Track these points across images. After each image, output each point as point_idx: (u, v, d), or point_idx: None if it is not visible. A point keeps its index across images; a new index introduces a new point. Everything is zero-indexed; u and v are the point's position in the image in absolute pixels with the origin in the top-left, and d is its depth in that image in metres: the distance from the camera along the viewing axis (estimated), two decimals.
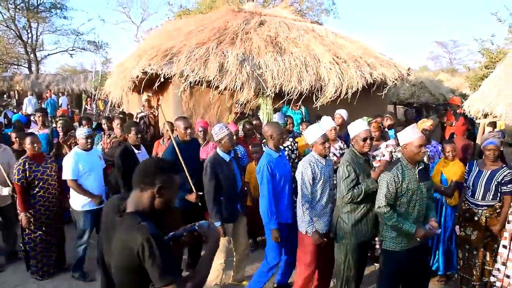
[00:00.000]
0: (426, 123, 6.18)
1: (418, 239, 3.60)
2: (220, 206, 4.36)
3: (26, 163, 4.84)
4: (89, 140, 5.01)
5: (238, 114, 7.25)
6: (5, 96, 24.39)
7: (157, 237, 1.93)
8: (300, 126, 7.17)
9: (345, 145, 6.00)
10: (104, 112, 16.38)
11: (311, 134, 4.16)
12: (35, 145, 4.92)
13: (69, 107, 19.34)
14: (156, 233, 1.95)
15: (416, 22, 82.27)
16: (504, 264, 4.24)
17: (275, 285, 4.64)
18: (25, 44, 28.64)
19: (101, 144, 6.77)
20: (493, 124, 7.16)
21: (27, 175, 4.81)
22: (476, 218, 4.52)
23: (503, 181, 4.41)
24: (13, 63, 29.73)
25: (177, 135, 4.95)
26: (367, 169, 4.01)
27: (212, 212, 4.34)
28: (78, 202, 4.95)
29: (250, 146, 5.82)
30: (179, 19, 13.87)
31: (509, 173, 4.44)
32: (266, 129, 4.41)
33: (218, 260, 4.45)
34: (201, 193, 4.56)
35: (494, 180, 4.43)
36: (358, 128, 3.99)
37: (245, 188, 5.57)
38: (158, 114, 8.32)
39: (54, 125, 8.24)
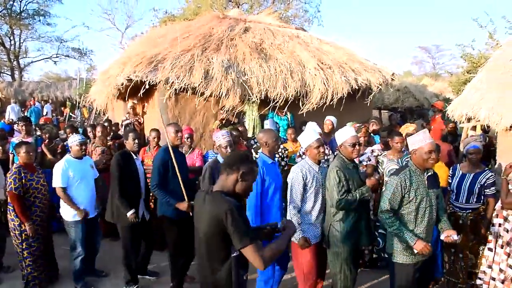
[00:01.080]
0: (410, 127, 6.25)
1: (416, 251, 3.44)
2: None
3: (21, 172, 4.68)
4: (83, 147, 4.91)
5: (224, 121, 7.22)
6: None
7: (239, 208, 2.41)
8: (286, 132, 7.18)
9: (330, 151, 6.03)
10: (89, 119, 16.21)
11: (306, 138, 4.12)
12: (31, 154, 4.80)
13: (53, 114, 19.09)
14: (238, 205, 2.44)
15: (399, 27, 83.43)
16: (490, 266, 4.28)
17: None
18: (8, 51, 28.30)
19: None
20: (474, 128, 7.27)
21: (23, 183, 4.66)
22: (461, 222, 4.57)
23: (486, 184, 4.47)
24: None
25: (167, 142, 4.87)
26: (356, 175, 3.96)
27: None
28: (69, 212, 4.83)
29: None
30: (164, 25, 13.82)
31: (491, 176, 4.51)
32: (260, 136, 4.36)
33: None
34: (193, 202, 4.49)
35: (477, 183, 4.50)
36: (346, 134, 3.94)
37: None
38: (144, 122, 8.26)
39: (38, 133, 8.11)
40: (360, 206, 3.86)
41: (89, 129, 7.56)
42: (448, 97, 14.54)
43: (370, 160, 5.54)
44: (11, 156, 6.76)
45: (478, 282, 4.38)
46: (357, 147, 3.90)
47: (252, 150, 6.07)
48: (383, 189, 3.94)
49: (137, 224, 4.78)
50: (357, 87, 8.15)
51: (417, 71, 42.99)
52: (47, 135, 7.03)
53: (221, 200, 2.42)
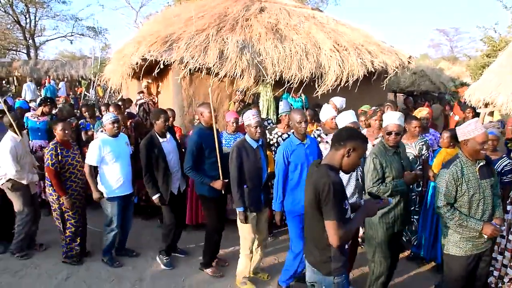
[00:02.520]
0: (423, 111, 6.16)
1: (486, 237, 3.35)
2: (243, 192, 4.32)
3: (58, 148, 4.83)
4: (115, 125, 4.93)
5: (239, 102, 7.21)
6: (3, 82, 24.27)
7: (337, 184, 2.52)
8: None
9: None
10: (104, 98, 16.32)
11: (341, 120, 4.18)
12: (66, 131, 4.90)
13: (70, 93, 19.28)
14: (337, 181, 2.54)
15: (416, 8, 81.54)
16: (501, 253, 4.26)
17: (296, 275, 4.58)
18: (24, 29, 28.42)
19: (102, 131, 6.75)
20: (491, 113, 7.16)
21: (60, 159, 4.81)
22: None
23: (503, 171, 4.42)
24: (11, 49, 29.57)
25: (200, 122, 4.87)
26: (396, 162, 3.82)
27: (236, 198, 4.30)
28: (105, 188, 4.94)
29: None
30: (178, 4, 13.72)
31: (509, 163, 4.45)
32: (289, 117, 4.39)
33: (245, 251, 4.47)
34: (227, 181, 4.54)
35: None
36: (387, 120, 3.84)
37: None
38: (158, 101, 8.29)
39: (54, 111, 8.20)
40: (396, 193, 3.77)
41: (103, 108, 7.60)
42: (465, 81, 14.28)
43: None
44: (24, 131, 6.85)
45: (490, 268, 4.37)
46: (393, 135, 3.78)
47: (266, 131, 6.06)
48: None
49: (174, 199, 4.94)
50: (373, 70, 8.04)
51: (434, 54, 42.22)
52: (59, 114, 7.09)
53: (324, 173, 2.57)
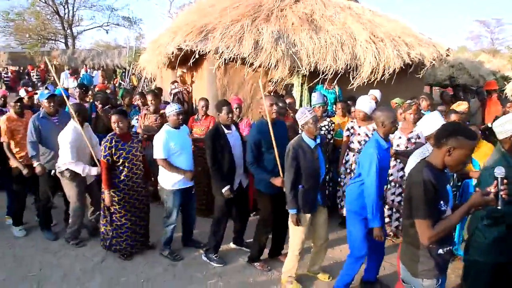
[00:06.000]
0: (462, 106, 5.99)
1: None
2: (297, 193, 4.15)
3: (113, 141, 4.76)
4: (180, 117, 4.87)
5: (273, 93, 7.21)
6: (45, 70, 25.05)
7: (428, 182, 2.47)
8: (334, 106, 7.09)
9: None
10: (138, 87, 16.61)
11: (430, 125, 3.91)
12: (120, 124, 4.77)
13: (105, 81, 19.73)
14: (430, 180, 2.47)
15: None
16: None
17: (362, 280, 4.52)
18: (62, 19, 29.27)
19: (137, 119, 6.90)
20: None
21: (113, 152, 4.74)
22: None
23: None
24: (51, 38, 30.51)
25: (262, 115, 4.74)
26: None
27: (289, 199, 4.14)
28: (168, 181, 4.91)
29: None
30: None
31: None
32: (378, 115, 3.99)
33: (294, 252, 4.35)
34: None
35: None
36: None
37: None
38: (192, 91, 8.39)
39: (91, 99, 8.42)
40: None
41: (137, 97, 7.74)
42: (507, 75, 13.73)
43: (419, 137, 5.35)
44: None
45: None
46: None
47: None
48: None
49: (233, 196, 4.81)
50: (409, 62, 7.85)
51: (472, 47, 40.83)
52: (98, 102, 7.30)
53: (419, 169, 2.55)
